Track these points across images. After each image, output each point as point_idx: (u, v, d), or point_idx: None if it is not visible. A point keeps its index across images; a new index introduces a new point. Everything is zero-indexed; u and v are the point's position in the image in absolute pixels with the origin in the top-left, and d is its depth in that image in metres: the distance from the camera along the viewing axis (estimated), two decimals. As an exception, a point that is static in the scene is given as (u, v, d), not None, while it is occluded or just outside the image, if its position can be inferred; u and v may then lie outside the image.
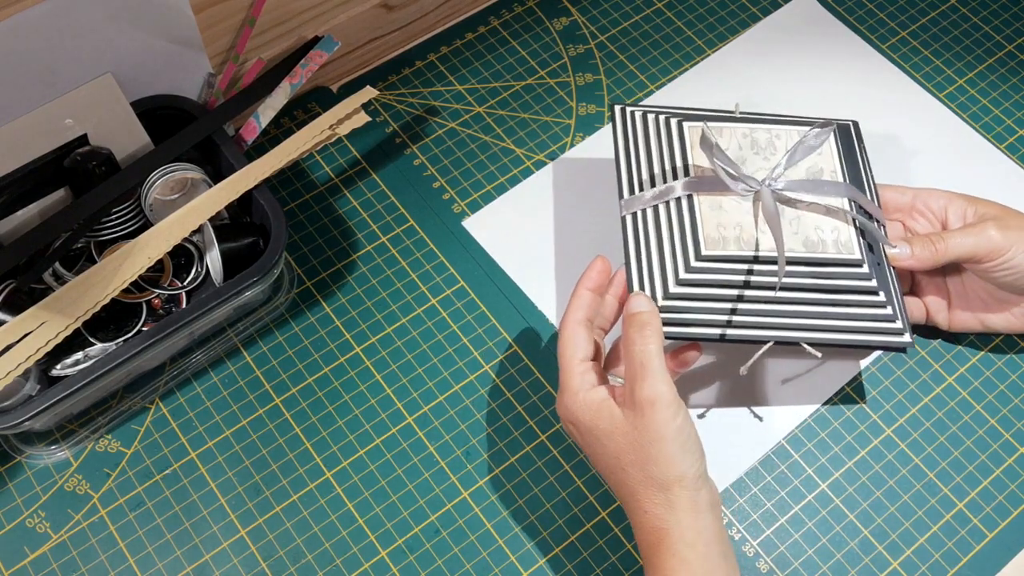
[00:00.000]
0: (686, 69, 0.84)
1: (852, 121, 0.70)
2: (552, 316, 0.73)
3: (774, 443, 0.68)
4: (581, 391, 0.57)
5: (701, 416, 0.69)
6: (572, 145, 0.80)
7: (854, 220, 0.63)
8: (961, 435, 0.68)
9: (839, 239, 0.62)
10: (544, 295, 0.74)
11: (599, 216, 0.76)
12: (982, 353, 0.71)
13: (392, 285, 0.74)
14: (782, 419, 0.69)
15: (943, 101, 0.82)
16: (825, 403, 0.69)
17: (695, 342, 0.64)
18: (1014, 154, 0.79)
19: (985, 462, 0.67)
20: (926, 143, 0.80)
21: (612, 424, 0.56)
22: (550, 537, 0.65)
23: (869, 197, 0.66)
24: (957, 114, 0.81)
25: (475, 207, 0.77)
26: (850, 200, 0.63)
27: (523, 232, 0.76)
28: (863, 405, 0.69)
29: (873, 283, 0.62)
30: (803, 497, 0.66)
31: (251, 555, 0.64)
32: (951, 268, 0.68)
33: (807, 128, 0.65)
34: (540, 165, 0.79)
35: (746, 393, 0.70)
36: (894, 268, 0.65)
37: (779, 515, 0.66)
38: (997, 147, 0.80)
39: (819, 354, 0.62)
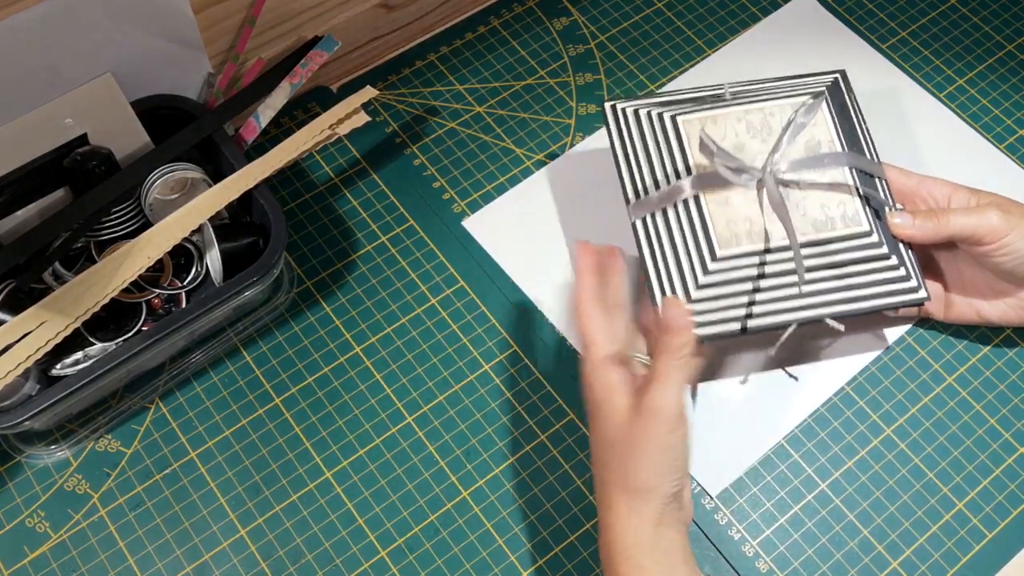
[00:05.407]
0: (686, 69, 0.84)
1: (839, 72, 0.70)
2: (552, 316, 0.73)
3: (774, 443, 0.68)
4: (601, 366, 0.57)
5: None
6: (572, 145, 0.80)
7: (858, 190, 0.64)
8: (961, 435, 0.68)
9: (846, 213, 0.63)
10: (544, 295, 0.73)
11: (599, 214, 0.76)
12: (982, 353, 0.71)
13: (392, 285, 0.74)
14: (782, 419, 0.69)
15: (943, 101, 0.82)
16: (825, 403, 0.69)
17: (713, 341, 0.64)
18: (1014, 154, 0.79)
19: (985, 462, 0.67)
20: (926, 143, 0.79)
21: (613, 411, 0.56)
22: (550, 537, 0.65)
23: (868, 154, 0.67)
24: (957, 114, 0.81)
25: (475, 207, 0.77)
26: (851, 168, 0.64)
27: (523, 232, 0.76)
28: (863, 405, 0.69)
29: (884, 250, 0.64)
30: (803, 497, 0.66)
31: (251, 555, 0.64)
32: (950, 256, 0.68)
33: (798, 100, 0.65)
34: (540, 165, 0.79)
35: (747, 394, 0.70)
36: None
37: (779, 515, 0.66)
38: (997, 147, 0.80)
39: (842, 327, 0.64)
